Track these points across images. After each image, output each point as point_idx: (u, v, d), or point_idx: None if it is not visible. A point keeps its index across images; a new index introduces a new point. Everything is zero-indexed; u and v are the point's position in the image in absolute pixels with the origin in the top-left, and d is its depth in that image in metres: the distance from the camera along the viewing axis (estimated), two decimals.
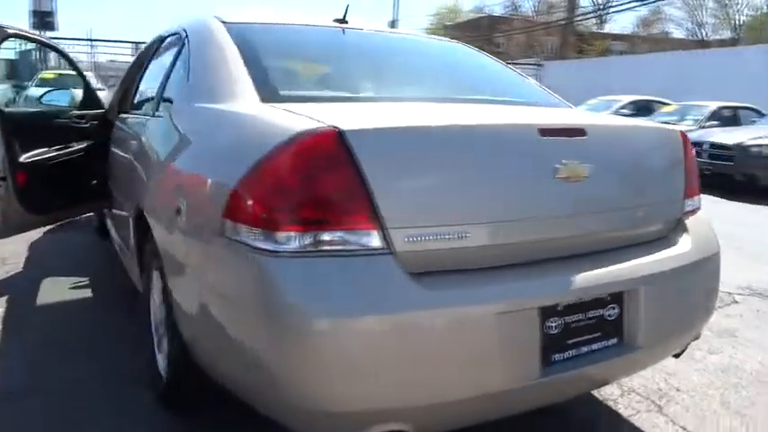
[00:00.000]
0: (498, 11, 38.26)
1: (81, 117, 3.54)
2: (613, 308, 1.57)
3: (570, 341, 1.50)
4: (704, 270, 1.79)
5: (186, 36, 2.29)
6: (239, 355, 1.41)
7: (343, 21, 2.58)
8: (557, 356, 1.47)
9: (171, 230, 1.69)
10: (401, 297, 1.29)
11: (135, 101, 3.02)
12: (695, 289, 1.77)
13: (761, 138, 7.95)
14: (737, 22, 27.84)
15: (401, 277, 1.31)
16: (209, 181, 1.54)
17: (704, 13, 29.08)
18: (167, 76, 2.33)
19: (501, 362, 1.38)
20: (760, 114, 10.58)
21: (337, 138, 1.31)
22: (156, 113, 2.26)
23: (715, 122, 9.96)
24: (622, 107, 11.96)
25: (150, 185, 1.99)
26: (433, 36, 2.99)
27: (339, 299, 1.27)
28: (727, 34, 27.56)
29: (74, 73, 3.80)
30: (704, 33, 29.38)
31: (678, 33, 32.58)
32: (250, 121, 1.56)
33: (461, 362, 1.33)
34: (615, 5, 29.84)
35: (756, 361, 2.67)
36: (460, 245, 1.39)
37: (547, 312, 1.44)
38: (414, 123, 1.44)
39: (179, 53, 2.30)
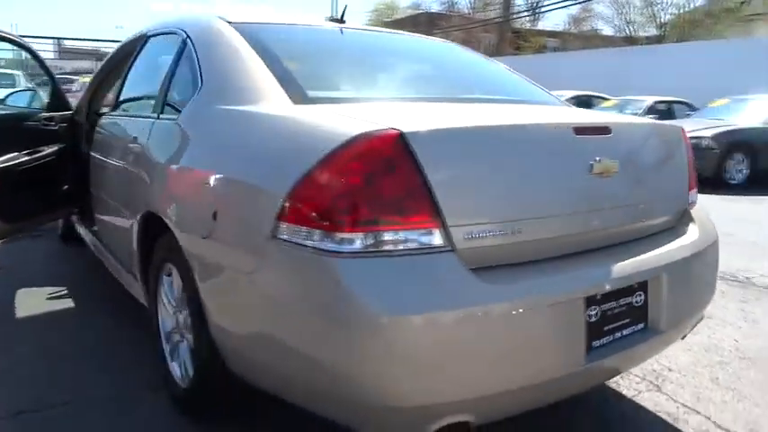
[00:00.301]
0: (435, 8, 38.83)
1: (50, 119, 3.39)
2: (640, 295, 1.67)
3: (606, 328, 1.59)
4: (710, 255, 1.92)
5: (187, 36, 2.24)
6: (298, 358, 1.42)
7: (340, 20, 2.60)
8: (595, 343, 1.56)
9: (206, 236, 1.66)
10: (465, 292, 1.34)
11: (120, 102, 2.92)
12: (704, 273, 1.91)
13: (696, 131, 8.44)
14: (662, 19, 29.42)
15: (463, 273, 1.35)
16: (255, 184, 1.53)
17: (631, 10, 30.55)
18: (170, 77, 2.27)
19: (554, 350, 1.45)
20: (692, 108, 11.23)
21: (399, 139, 1.34)
22: (162, 115, 2.20)
23: (652, 116, 10.49)
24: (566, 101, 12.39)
25: (169, 189, 1.94)
26: (428, 36, 3.04)
27: (407, 296, 1.30)
28: (653, 31, 29.07)
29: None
30: (631, 30, 30.82)
31: (607, 30, 34.02)
32: (292, 123, 1.56)
33: (521, 352, 1.39)
34: (547, 4, 30.85)
35: (733, 339, 2.88)
36: (514, 240, 1.45)
37: (589, 301, 1.52)
38: (466, 124, 1.48)
39: (180, 54, 2.25)
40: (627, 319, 1.65)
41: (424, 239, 1.35)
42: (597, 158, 1.61)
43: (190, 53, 2.17)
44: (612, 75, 16.54)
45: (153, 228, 2.11)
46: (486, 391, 1.37)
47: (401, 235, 1.34)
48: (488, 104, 2.01)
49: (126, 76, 2.91)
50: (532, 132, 1.57)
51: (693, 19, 27.16)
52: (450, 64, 2.57)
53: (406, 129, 1.35)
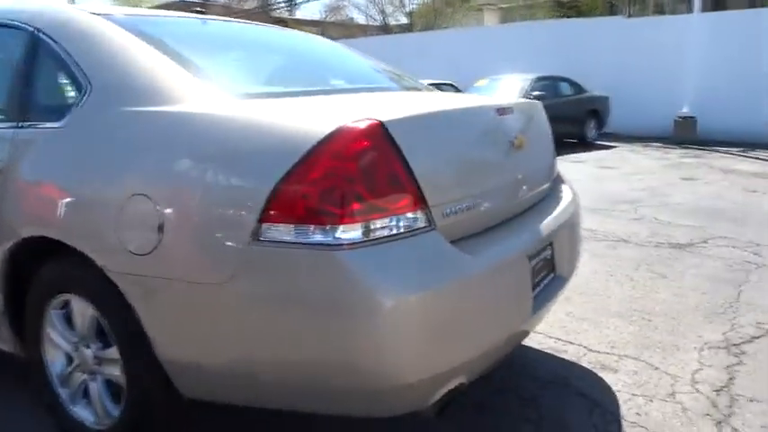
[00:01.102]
0: None
1: None
2: (549, 250, 1.96)
3: (536, 280, 1.84)
4: (580, 209, 2.31)
5: (38, 31, 1.92)
6: (298, 361, 1.39)
7: (202, 12, 2.46)
8: (535, 294, 1.79)
9: (147, 252, 1.50)
10: (456, 265, 1.46)
11: None
12: (579, 225, 2.28)
13: None
14: (409, 9, 32.18)
15: (449, 248, 1.47)
16: (223, 187, 1.43)
17: (383, 1, 32.80)
18: (23, 80, 1.93)
19: (516, 305, 1.65)
20: (457, 89, 12.60)
21: (380, 129, 1.39)
22: (26, 124, 1.87)
23: None
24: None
25: (73, 206, 1.67)
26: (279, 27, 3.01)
27: (409, 278, 1.37)
28: (404, 20, 31.65)
29: None
30: (384, 19, 33.12)
31: (361, 19, 36.02)
32: (250, 121, 1.48)
33: (496, 310, 1.56)
34: None
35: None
36: (475, 213, 1.61)
37: (530, 258, 1.74)
38: (429, 110, 1.59)
39: (33, 52, 1.93)
40: (544, 271, 1.92)
41: (412, 222, 1.43)
42: (514, 135, 1.83)
43: (51, 51, 1.87)
44: (385, 59, 17.61)
45: (27, 258, 1.82)
46: (477, 351, 1.51)
47: (392, 220, 1.40)
48: (387, 93, 2.11)
49: None
50: (477, 115, 1.75)
51: (435, 8, 30.17)
52: (326, 56, 2.61)
53: (384, 118, 1.41)
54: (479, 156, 1.69)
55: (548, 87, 10.62)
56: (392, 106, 1.68)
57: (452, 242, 1.51)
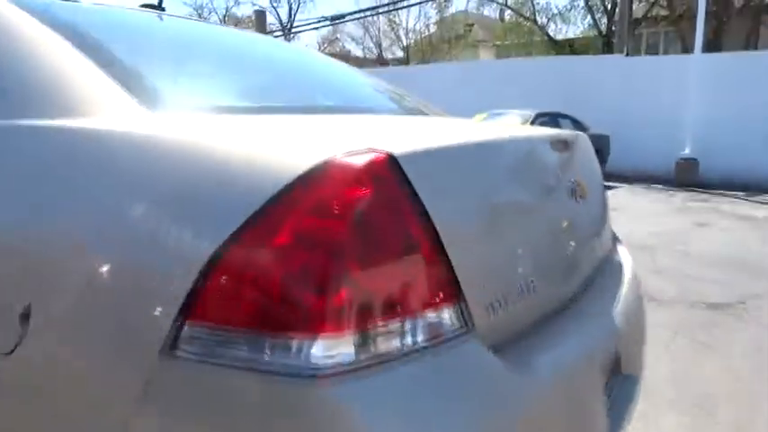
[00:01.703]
0: None
1: None
2: (616, 343, 1.38)
3: (608, 391, 1.26)
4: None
5: None
6: None
7: (159, 7, 1.92)
8: (609, 409, 1.22)
9: (6, 352, 0.92)
10: (504, 395, 0.88)
11: None
12: (644, 299, 1.71)
13: None
14: (404, 43, 32.09)
15: (494, 366, 0.89)
16: (125, 252, 0.85)
17: (380, 34, 32.78)
18: None
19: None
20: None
21: (389, 165, 0.82)
22: None
23: None
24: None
25: None
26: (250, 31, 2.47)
27: (434, 427, 0.79)
28: (400, 53, 31.53)
29: None
30: (380, 52, 33.03)
31: (357, 51, 35.93)
32: (184, 142, 0.90)
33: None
34: (298, 25, 31.46)
35: None
36: (528, 301, 1.03)
37: (600, 362, 1.17)
38: (463, 141, 1.01)
39: None
40: (613, 375, 1.34)
41: (440, 323, 0.85)
42: (573, 179, 1.28)
43: None
44: None
45: None
46: None
47: (407, 323, 0.82)
48: (394, 117, 1.56)
49: None
50: (527, 149, 1.17)
51: (431, 43, 30.13)
52: (315, 68, 2.04)
53: (395, 150, 0.84)
54: (532, 210, 1.12)
55: (548, 124, 10.19)
56: (405, 133, 1.13)
57: (498, 348, 0.94)
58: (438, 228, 0.84)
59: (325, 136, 0.98)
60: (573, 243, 1.25)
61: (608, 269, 1.50)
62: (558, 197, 1.22)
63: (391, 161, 0.82)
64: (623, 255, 1.68)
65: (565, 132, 1.43)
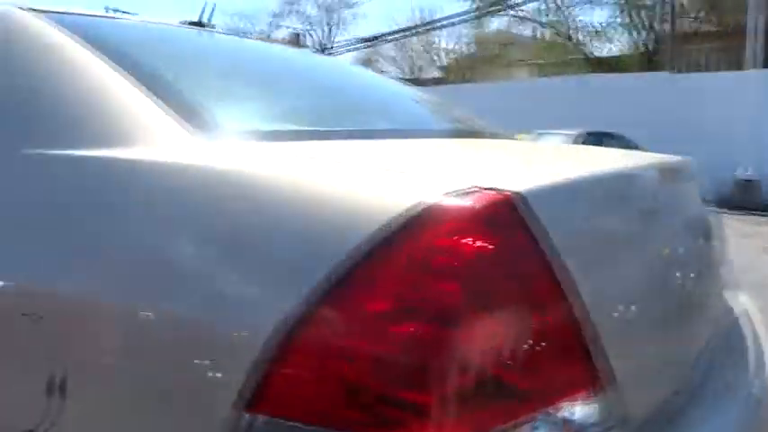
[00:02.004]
0: None
1: None
2: None
3: None
4: None
5: None
6: None
7: (199, 23, 1.78)
8: None
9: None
10: None
11: None
12: None
13: None
14: (440, 63, 32.04)
15: None
16: (170, 319, 0.67)
17: (414, 55, 32.86)
18: None
19: None
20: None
21: (514, 209, 0.63)
22: None
23: None
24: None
25: None
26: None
27: None
28: (436, 74, 31.45)
29: None
30: (417, 72, 33.03)
31: (395, 72, 36.04)
32: (242, 176, 0.73)
33: None
34: (336, 46, 31.76)
35: None
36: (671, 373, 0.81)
37: None
38: (594, 173, 0.80)
39: None
40: None
41: (585, 422, 0.64)
42: (704, 215, 1.06)
43: None
44: None
45: None
46: None
47: (539, 424, 0.61)
48: (458, 139, 1.36)
49: None
50: (668, 180, 0.96)
51: (469, 63, 29.97)
52: (365, 87, 1.86)
53: (519, 187, 0.64)
54: (674, 261, 0.89)
55: (597, 144, 9.83)
56: (508, 164, 0.93)
57: None
58: (580, 292, 0.63)
59: (422, 167, 0.79)
60: (712, 299, 1.02)
61: (733, 326, 1.24)
62: (696, 240, 1.00)
63: (516, 202, 0.62)
64: (745, 304, 1.42)
65: (677, 159, 1.20)
